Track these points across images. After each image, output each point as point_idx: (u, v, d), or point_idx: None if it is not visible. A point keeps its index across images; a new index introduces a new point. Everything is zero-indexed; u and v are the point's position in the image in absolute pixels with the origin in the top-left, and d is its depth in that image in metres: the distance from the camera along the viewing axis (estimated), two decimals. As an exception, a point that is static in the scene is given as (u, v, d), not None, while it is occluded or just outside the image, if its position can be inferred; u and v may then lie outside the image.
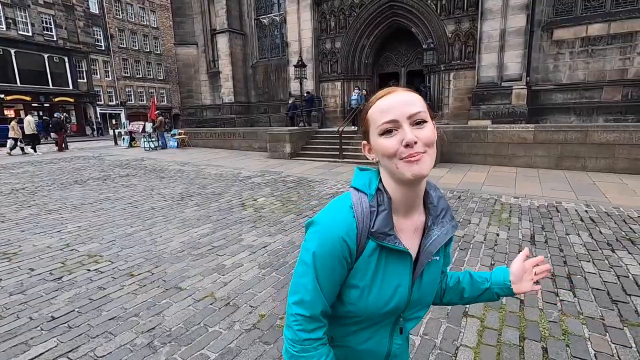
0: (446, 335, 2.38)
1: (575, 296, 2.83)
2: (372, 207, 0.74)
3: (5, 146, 14.88)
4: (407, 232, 0.78)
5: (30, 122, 14.85)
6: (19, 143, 14.58)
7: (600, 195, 6.05)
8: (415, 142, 0.68)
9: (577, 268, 3.32)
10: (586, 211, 5.14)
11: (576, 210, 5.18)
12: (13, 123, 14.44)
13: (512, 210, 5.24)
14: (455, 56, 13.01)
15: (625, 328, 2.40)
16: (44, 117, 15.97)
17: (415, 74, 15.26)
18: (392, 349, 0.86)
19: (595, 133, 8.16)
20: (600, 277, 3.14)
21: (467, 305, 2.72)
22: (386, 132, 0.70)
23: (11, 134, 14.24)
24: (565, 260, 3.50)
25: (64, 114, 22.40)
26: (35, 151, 14.90)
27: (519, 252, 3.47)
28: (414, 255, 0.78)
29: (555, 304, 2.72)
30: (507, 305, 2.72)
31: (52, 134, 15.88)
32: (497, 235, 4.24)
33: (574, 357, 2.14)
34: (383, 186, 0.76)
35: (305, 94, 15.24)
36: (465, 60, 12.81)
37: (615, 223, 4.57)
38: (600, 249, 3.77)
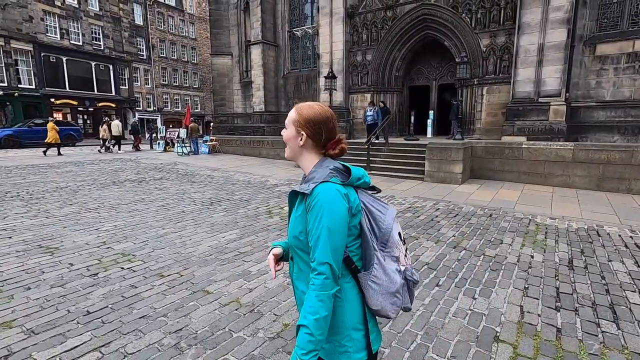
0: (476, 359, 2.28)
1: (618, 328, 2.63)
2: None
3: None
4: None
5: (118, 125, 17.94)
6: (106, 143, 17.41)
7: (647, 221, 5.64)
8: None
9: (620, 298, 3.10)
10: (631, 237, 4.81)
11: (620, 235, 4.86)
12: (105, 126, 17.42)
13: (548, 232, 4.98)
14: (490, 70, 12.71)
15: (676, 368, 2.20)
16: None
17: (447, 88, 15.02)
18: (292, 275, 1.20)
19: (642, 154, 7.66)
20: (647, 309, 2.91)
21: (499, 330, 2.60)
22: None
23: (102, 135, 17.22)
24: (607, 289, 3.27)
25: (106, 117, 23.98)
26: (119, 149, 17.73)
27: (555, 277, 3.29)
28: None
29: (596, 335, 2.54)
30: (542, 332, 2.57)
31: (131, 136, 19.66)
32: (532, 257, 4.04)
33: (617, 395, 1.99)
34: None
35: None
36: (500, 75, 12.47)
37: (665, 251, 4.24)
38: (647, 278, 3.50)
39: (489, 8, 12.36)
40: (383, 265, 1.09)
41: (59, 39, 26.84)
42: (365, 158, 10.63)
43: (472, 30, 12.76)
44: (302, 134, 1.15)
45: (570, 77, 11.10)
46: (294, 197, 1.16)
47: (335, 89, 15.35)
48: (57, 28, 26.80)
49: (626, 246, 4.44)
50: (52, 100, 26.51)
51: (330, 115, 1.16)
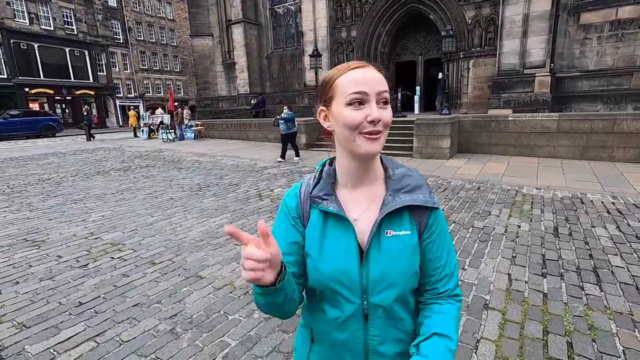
0: (466, 327, 2.35)
1: (601, 290, 2.74)
2: (315, 179, 0.85)
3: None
4: (360, 203, 0.81)
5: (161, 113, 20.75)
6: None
7: (628, 187, 5.81)
8: (379, 120, 0.72)
9: (603, 262, 3.21)
10: (613, 203, 4.95)
11: (602, 202, 5.00)
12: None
13: (534, 202, 5.09)
14: (475, 43, 12.61)
15: (655, 324, 2.31)
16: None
17: (433, 62, 14.89)
18: (369, 342, 0.80)
19: (624, 122, 7.80)
20: (628, 271, 3.03)
21: (488, 298, 2.67)
22: (354, 103, 0.73)
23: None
24: (591, 254, 3.38)
25: (86, 106, 23.28)
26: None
27: (541, 245, 3.36)
28: (368, 223, 0.78)
29: (581, 298, 2.64)
30: (529, 298, 2.66)
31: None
32: (519, 227, 4.14)
33: (600, 352, 2.08)
34: (330, 162, 0.86)
35: (257, 97, 17.55)
36: (486, 47, 12.39)
37: (645, 215, 4.39)
38: (628, 242, 3.63)
39: (474, -22, 12.14)
40: None
41: (28, 24, 25.50)
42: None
43: (457, 2, 12.54)
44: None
45: (555, 47, 11.10)
46: (393, 218, 0.78)
47: (321, 67, 15.06)
48: (26, 12, 25.42)
49: (608, 212, 4.57)
50: (27, 89, 25.47)
51: None
